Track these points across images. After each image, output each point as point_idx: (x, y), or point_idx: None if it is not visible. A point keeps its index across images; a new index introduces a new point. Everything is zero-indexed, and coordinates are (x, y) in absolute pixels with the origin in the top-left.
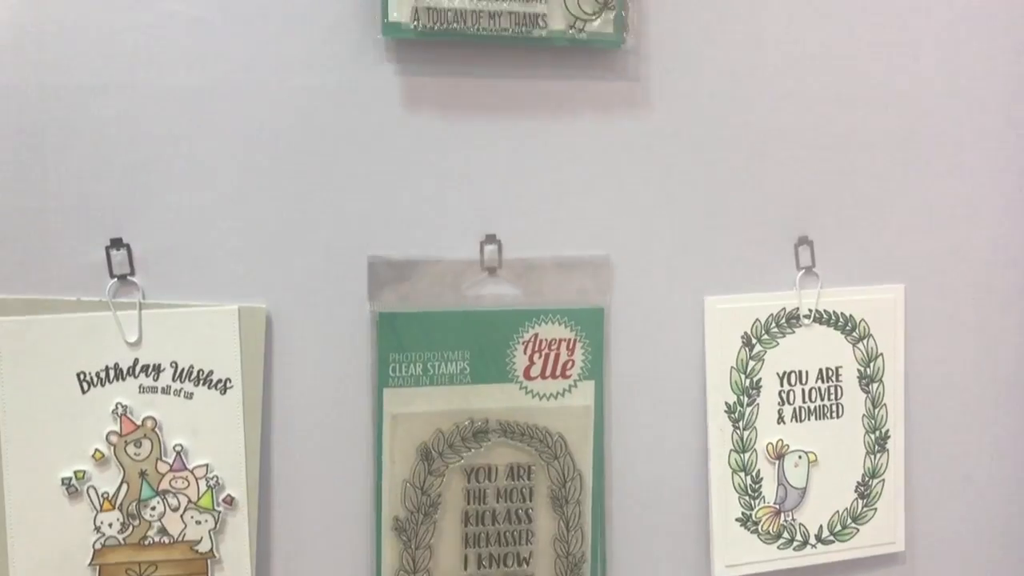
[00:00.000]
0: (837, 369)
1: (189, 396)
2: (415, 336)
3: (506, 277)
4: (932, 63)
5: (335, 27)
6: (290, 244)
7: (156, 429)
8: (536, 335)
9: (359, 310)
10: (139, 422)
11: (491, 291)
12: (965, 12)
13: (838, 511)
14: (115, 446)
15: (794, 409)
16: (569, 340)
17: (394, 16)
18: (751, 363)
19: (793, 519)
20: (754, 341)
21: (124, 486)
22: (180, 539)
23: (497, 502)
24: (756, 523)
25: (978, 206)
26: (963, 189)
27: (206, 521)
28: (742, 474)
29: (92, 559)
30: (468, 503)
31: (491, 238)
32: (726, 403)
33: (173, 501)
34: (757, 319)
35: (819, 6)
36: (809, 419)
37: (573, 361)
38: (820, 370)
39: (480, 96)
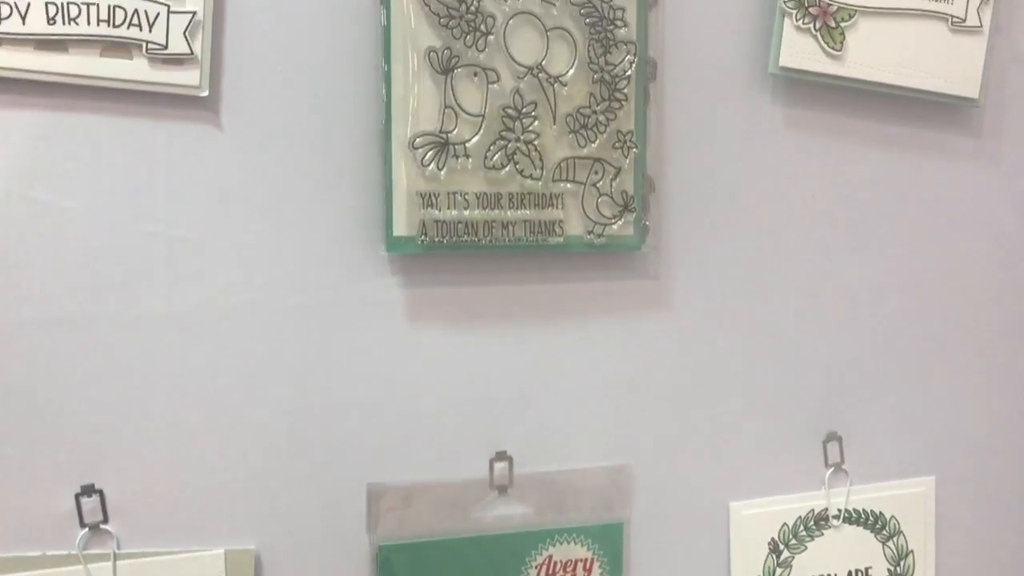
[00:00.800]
0: (867, 570)
1: None
2: (419, 570)
3: (517, 496)
4: (958, 250)
5: (333, 242)
6: (281, 476)
7: None
8: (551, 557)
9: (357, 543)
10: None
11: (502, 512)
12: (990, 201)
13: None
14: None
15: None
16: (586, 560)
17: (400, 230)
18: (779, 570)
19: None
20: (781, 547)
21: None
22: None
23: None
24: None
25: (1008, 394)
26: (992, 377)
27: None
28: None
29: None
30: None
31: (501, 455)
32: None
33: None
34: (785, 523)
35: (840, 196)
36: None
37: None
38: (849, 571)
39: (490, 304)
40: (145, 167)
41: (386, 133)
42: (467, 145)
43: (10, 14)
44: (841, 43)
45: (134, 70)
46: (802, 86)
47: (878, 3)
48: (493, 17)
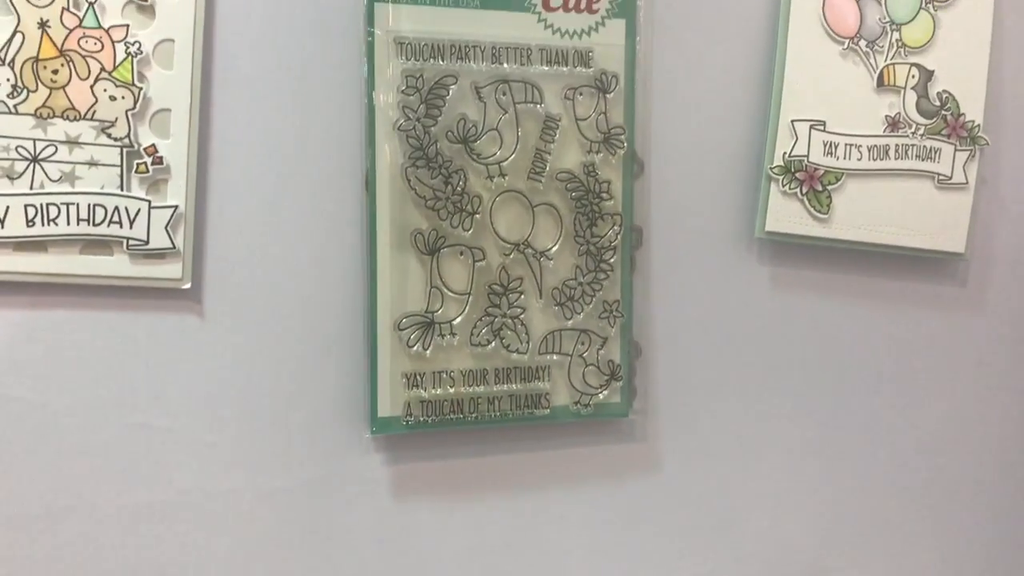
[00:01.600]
0: None
1: None
2: None
3: None
4: (948, 399)
5: (316, 424)
6: None
7: None
8: None
9: None
10: None
11: None
12: (978, 350)
13: None
14: None
15: None
16: None
17: (384, 411)
18: None
19: None
20: None
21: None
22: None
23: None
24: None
25: (1006, 541)
26: (987, 527)
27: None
28: None
29: None
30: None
31: None
32: None
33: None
34: None
35: (827, 352)
36: None
37: None
38: None
39: (476, 477)
40: (127, 359)
41: (371, 315)
42: (453, 323)
43: None
44: (828, 206)
45: (115, 266)
46: (789, 246)
47: (865, 165)
48: (479, 197)
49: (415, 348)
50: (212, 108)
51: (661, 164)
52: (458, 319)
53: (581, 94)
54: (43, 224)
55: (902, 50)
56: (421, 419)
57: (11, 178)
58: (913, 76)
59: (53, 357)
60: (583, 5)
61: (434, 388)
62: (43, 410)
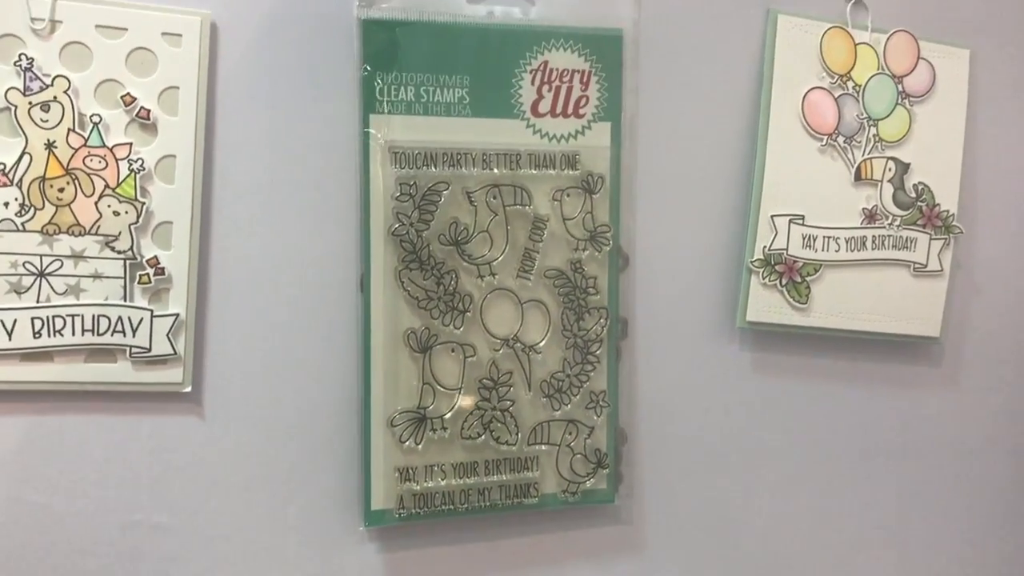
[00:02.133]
0: None
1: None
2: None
3: None
4: (926, 477)
5: (311, 518)
6: None
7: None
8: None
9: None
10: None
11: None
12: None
13: None
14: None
15: None
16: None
17: (378, 504)
18: None
19: None
20: None
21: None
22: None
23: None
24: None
25: None
26: None
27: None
28: None
29: None
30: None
31: None
32: None
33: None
34: None
35: (809, 434)
36: None
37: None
38: None
39: (467, 564)
40: (129, 460)
41: (365, 411)
42: (444, 418)
43: None
44: (807, 296)
45: (118, 373)
46: (770, 334)
47: (843, 256)
48: (470, 296)
49: (407, 443)
50: (212, 219)
51: (645, 258)
52: (449, 413)
53: (568, 195)
54: (49, 335)
55: (879, 144)
56: (414, 511)
57: (19, 292)
58: (890, 169)
59: (59, 461)
60: (570, 111)
61: (426, 481)
62: (48, 511)
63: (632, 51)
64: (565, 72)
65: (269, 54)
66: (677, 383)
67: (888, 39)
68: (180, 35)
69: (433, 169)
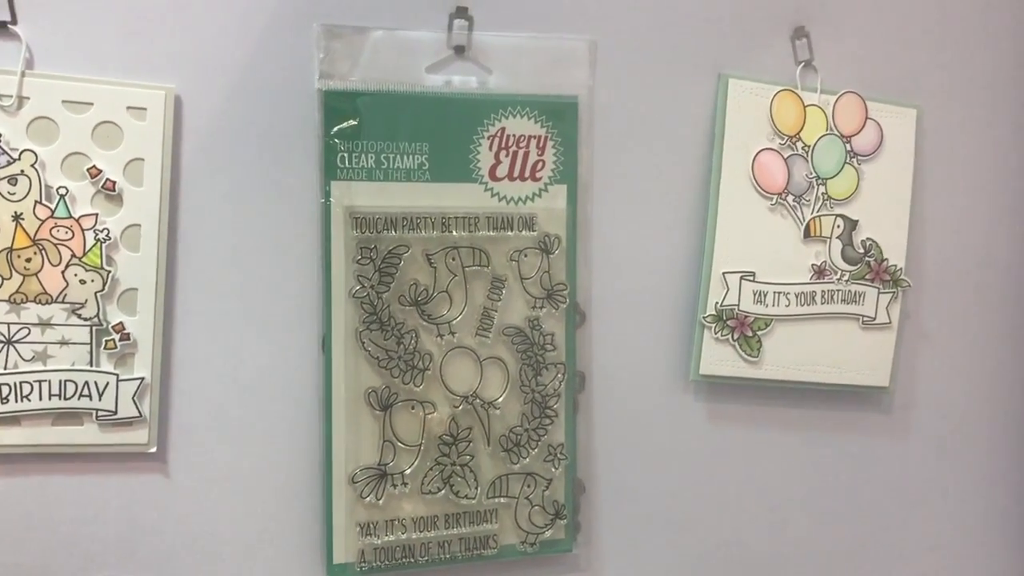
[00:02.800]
0: None
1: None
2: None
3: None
4: (869, 526)
5: (275, 571)
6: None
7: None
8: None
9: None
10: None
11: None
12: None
13: None
14: None
15: None
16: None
17: (339, 558)
18: None
19: None
20: None
21: None
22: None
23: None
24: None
25: None
26: None
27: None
28: None
29: None
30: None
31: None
32: None
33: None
34: None
35: (762, 482)
36: None
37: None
38: None
39: None
40: (98, 519)
41: (327, 468)
42: (405, 473)
43: None
44: (758, 350)
45: (85, 435)
46: (723, 385)
47: (793, 311)
48: (430, 355)
49: (368, 498)
50: (176, 285)
51: (601, 314)
52: (409, 469)
53: (526, 255)
54: (16, 400)
55: (828, 202)
56: (375, 565)
57: None
58: (838, 226)
59: (27, 521)
60: (527, 174)
61: (387, 535)
62: (20, 570)
63: (587, 115)
64: (522, 138)
65: (231, 123)
66: (634, 435)
67: (837, 100)
68: (145, 108)
69: (393, 232)
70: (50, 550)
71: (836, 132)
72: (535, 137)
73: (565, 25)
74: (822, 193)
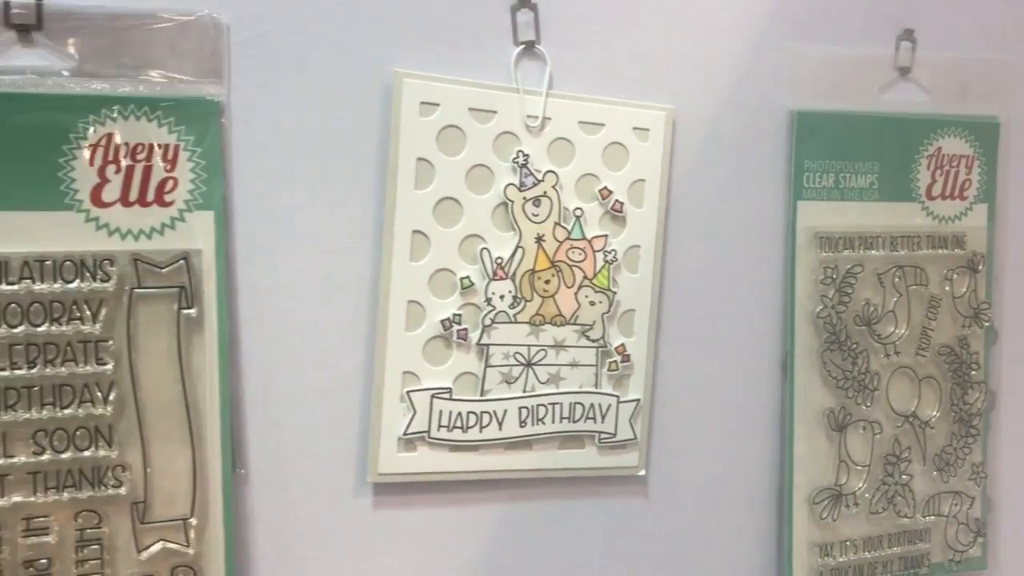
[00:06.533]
0: None
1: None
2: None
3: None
4: None
5: None
6: None
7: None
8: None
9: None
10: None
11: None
12: None
13: None
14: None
15: None
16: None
17: None
18: None
19: None
20: None
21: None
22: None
23: None
24: None
25: None
26: None
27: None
28: None
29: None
30: None
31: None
32: None
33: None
34: None
35: None
36: None
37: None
38: None
39: None
40: (582, 541)
41: (786, 488)
42: (856, 494)
43: (489, 422)
44: None
45: (585, 459)
46: None
47: None
48: (878, 375)
49: (826, 519)
50: (663, 306)
51: (1013, 333)
52: (859, 489)
53: (956, 274)
54: (532, 424)
55: None
56: None
57: (509, 383)
58: None
59: (523, 544)
60: (956, 193)
61: (842, 555)
62: None
63: (1005, 137)
64: (953, 157)
65: (712, 144)
66: None
67: None
68: (647, 129)
69: (851, 252)
70: (524, 573)
71: None
72: (964, 157)
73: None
74: None
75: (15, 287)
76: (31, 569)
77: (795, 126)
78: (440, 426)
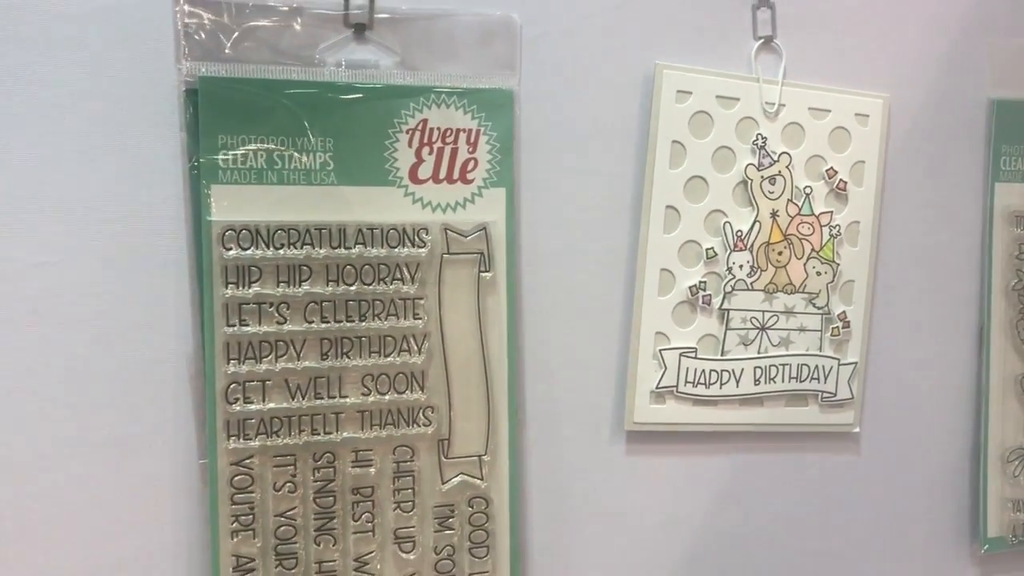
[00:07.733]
0: None
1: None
2: None
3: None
4: None
5: (929, 540)
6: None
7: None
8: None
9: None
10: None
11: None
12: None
13: None
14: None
15: None
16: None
17: (994, 531)
18: None
19: None
20: None
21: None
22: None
23: None
24: None
25: None
26: None
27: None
28: None
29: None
30: None
31: None
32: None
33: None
34: None
35: None
36: None
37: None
38: None
39: None
40: (797, 492)
41: (982, 448)
42: None
43: (728, 380)
44: None
45: (808, 416)
46: None
47: None
48: None
49: (1020, 476)
50: (877, 277)
51: None
52: None
53: None
54: (764, 383)
55: None
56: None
57: (745, 344)
58: None
59: (751, 491)
60: None
61: None
62: (742, 526)
63: None
64: None
65: (920, 130)
66: None
67: None
68: (867, 115)
69: None
70: (755, 515)
71: None
72: None
73: None
74: None
75: (352, 251)
76: (358, 495)
77: (994, 113)
78: (687, 382)
